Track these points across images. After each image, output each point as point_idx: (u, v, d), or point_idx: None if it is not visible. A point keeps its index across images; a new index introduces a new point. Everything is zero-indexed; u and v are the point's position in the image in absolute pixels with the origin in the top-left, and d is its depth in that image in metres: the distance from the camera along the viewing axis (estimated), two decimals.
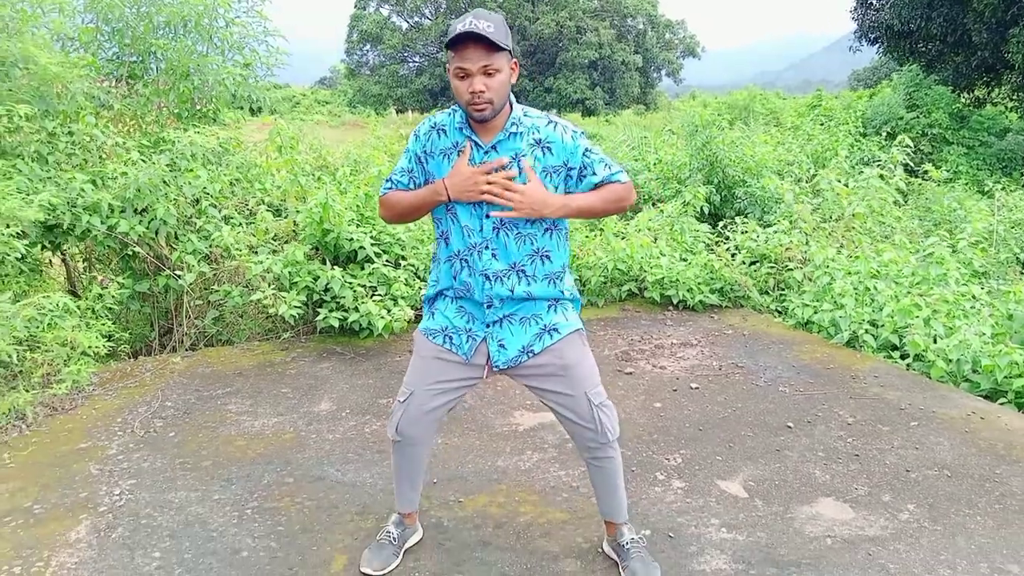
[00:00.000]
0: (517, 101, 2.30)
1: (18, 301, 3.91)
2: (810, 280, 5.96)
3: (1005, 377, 4.23)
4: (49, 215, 4.35)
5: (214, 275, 5.06)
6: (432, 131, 2.31)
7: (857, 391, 4.25)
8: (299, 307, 4.79)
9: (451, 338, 2.40)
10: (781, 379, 4.43)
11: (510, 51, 2.15)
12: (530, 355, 2.36)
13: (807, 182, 8.40)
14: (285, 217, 5.59)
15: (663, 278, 5.91)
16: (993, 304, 5.26)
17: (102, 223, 4.58)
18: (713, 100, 27.39)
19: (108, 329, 4.40)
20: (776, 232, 6.67)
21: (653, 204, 8.10)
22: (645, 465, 3.37)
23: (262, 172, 5.93)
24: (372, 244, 5.15)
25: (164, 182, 4.86)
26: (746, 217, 7.62)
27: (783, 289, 6.25)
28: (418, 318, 4.57)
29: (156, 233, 4.82)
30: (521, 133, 2.24)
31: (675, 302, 5.90)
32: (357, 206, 5.43)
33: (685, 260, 6.24)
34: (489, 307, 2.33)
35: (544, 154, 2.25)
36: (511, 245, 2.27)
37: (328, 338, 5.08)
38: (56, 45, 5.36)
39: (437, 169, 2.30)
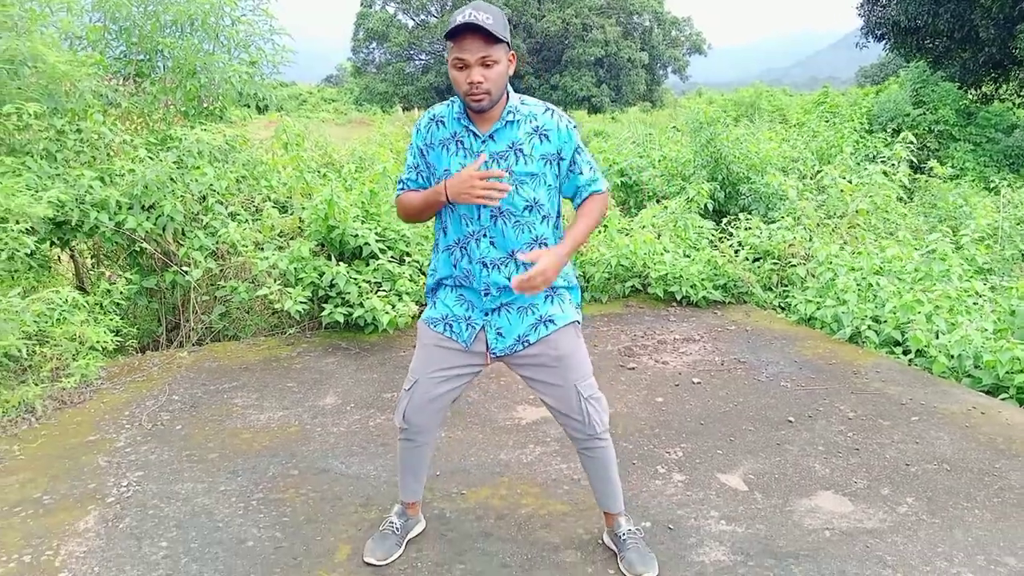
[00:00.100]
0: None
1: (27, 296, 3.96)
2: (813, 276, 5.98)
3: (1007, 372, 4.25)
4: (58, 212, 4.40)
5: (220, 271, 5.12)
6: (431, 123, 2.35)
7: (859, 386, 4.27)
8: (304, 303, 4.84)
9: (451, 326, 2.44)
10: (783, 374, 4.46)
11: (508, 43, 2.19)
12: (525, 344, 2.40)
13: (811, 179, 8.40)
14: (291, 214, 5.64)
15: (667, 274, 5.94)
16: (996, 300, 5.27)
17: (110, 219, 4.63)
18: (719, 97, 27.39)
19: (116, 324, 4.46)
20: (779, 228, 6.69)
21: (657, 200, 8.12)
22: (646, 458, 3.40)
23: (268, 169, 5.98)
24: (377, 240, 5.19)
25: (171, 179, 4.90)
26: (750, 214, 7.63)
27: (786, 285, 6.26)
28: (422, 313, 4.61)
29: (163, 229, 4.87)
30: (518, 121, 2.28)
31: (678, 298, 5.92)
32: (362, 203, 5.47)
33: (689, 256, 6.26)
34: (486, 295, 2.36)
35: (541, 141, 2.28)
36: (508, 233, 2.30)
37: (333, 333, 5.12)
38: (64, 44, 5.41)
39: (437, 160, 2.34)
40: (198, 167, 5.09)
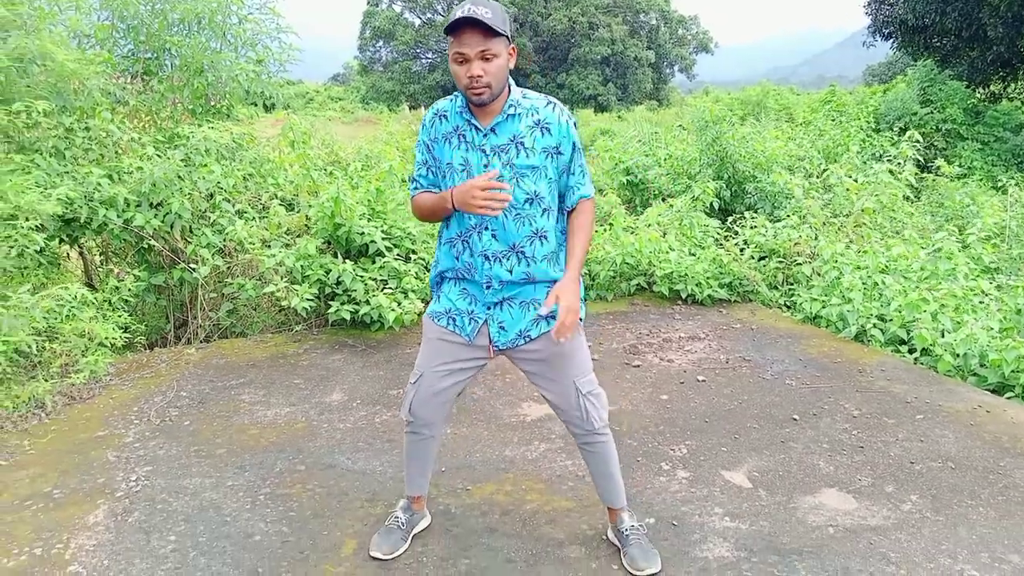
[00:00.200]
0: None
1: (37, 293, 3.99)
2: (819, 275, 5.98)
3: (1012, 371, 4.25)
4: (67, 209, 4.44)
5: (228, 268, 5.15)
6: (435, 117, 2.38)
7: (864, 384, 4.27)
8: (311, 300, 4.86)
9: (454, 320, 2.45)
10: (788, 372, 4.46)
11: (508, 37, 2.20)
12: (527, 339, 2.42)
13: (818, 177, 8.39)
14: (297, 211, 5.67)
15: (672, 272, 5.95)
16: (1002, 299, 5.27)
17: (118, 217, 4.67)
18: (726, 96, 27.33)
19: (124, 321, 4.49)
20: (785, 227, 6.69)
21: (663, 199, 8.12)
22: (650, 455, 3.42)
23: (275, 167, 6.01)
24: (383, 238, 5.21)
25: (179, 177, 4.93)
26: (756, 212, 7.63)
27: (792, 284, 6.26)
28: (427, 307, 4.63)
29: (171, 227, 4.90)
30: (519, 115, 2.29)
31: (684, 296, 5.93)
32: (368, 201, 5.49)
33: (694, 255, 6.27)
34: (488, 288, 2.38)
35: (543, 134, 2.30)
36: (510, 226, 2.32)
37: (340, 330, 5.15)
38: (73, 42, 5.45)
39: (441, 154, 2.36)
40: (205, 165, 5.12)
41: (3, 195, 4.09)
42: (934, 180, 10.32)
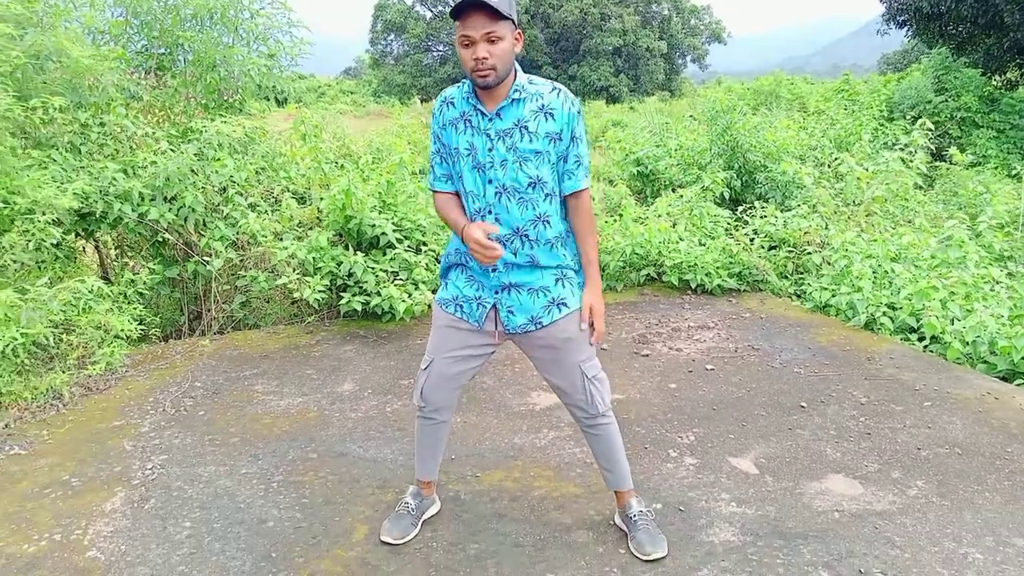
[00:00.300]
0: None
1: (54, 286, 4.07)
2: (828, 264, 5.98)
3: (1022, 358, 4.24)
4: (82, 203, 4.51)
5: (241, 261, 5.21)
6: (443, 104, 2.41)
7: (872, 372, 4.28)
8: (323, 292, 4.92)
9: (462, 306, 2.49)
10: (796, 361, 4.47)
11: (514, 21, 2.22)
12: (538, 326, 2.44)
13: (829, 166, 8.35)
14: (309, 204, 5.73)
15: (681, 262, 5.96)
16: (1012, 286, 5.25)
17: (133, 211, 4.74)
18: (739, 86, 27.14)
19: (140, 313, 4.56)
20: (795, 216, 6.68)
21: (673, 189, 8.12)
22: (658, 443, 3.45)
23: (287, 161, 6.06)
24: (394, 230, 5.26)
25: (192, 171, 5.00)
26: (766, 202, 7.62)
27: (802, 273, 6.26)
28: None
29: (185, 220, 4.97)
30: (524, 100, 2.31)
31: (693, 286, 5.94)
32: (379, 193, 5.54)
33: (704, 245, 6.27)
34: (493, 270, 2.41)
35: (547, 120, 2.31)
36: (513, 210, 2.34)
37: (351, 322, 5.20)
38: (87, 38, 5.53)
39: (449, 139, 2.39)
40: (218, 159, 5.18)
41: (21, 190, 4.17)
42: (948, 168, 10.25)
